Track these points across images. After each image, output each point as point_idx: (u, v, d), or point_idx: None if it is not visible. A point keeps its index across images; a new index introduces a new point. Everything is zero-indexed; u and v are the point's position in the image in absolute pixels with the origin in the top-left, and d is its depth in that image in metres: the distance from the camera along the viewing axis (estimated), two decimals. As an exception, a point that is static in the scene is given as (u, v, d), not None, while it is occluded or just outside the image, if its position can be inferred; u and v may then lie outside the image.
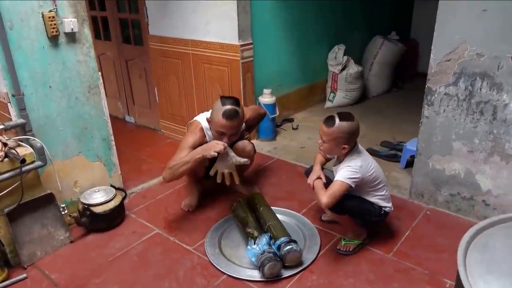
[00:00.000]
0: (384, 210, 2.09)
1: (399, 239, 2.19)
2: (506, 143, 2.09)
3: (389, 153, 3.10)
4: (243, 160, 2.20)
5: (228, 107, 2.19)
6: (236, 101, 2.25)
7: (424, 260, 2.03)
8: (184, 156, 2.17)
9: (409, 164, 2.91)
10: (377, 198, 2.06)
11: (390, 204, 2.12)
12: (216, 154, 2.09)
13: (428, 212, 2.42)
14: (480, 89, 2.09)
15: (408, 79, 4.93)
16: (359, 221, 2.09)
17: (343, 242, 2.14)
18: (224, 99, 2.25)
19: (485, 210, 2.27)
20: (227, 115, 2.17)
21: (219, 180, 2.22)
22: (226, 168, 2.19)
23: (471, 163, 2.24)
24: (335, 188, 1.91)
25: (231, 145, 2.48)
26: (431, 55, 2.21)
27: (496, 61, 2.01)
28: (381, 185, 2.07)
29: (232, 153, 2.18)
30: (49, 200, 2.21)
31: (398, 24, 4.95)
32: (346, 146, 1.96)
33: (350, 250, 2.11)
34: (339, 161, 2.07)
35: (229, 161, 2.17)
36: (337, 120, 1.95)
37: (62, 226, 2.26)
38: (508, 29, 1.93)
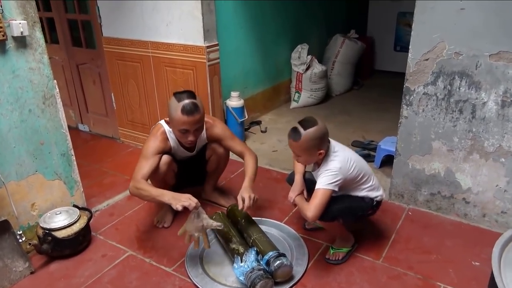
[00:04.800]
0: (376, 201, 2.01)
1: (387, 243, 2.15)
2: (485, 141, 2.11)
3: (362, 153, 3.07)
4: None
5: (186, 101, 2.02)
6: (192, 94, 2.08)
7: (415, 263, 2.00)
8: (153, 189, 1.98)
9: (384, 163, 2.90)
10: (366, 191, 1.98)
11: (381, 192, 2.03)
12: (181, 208, 1.82)
13: (410, 213, 2.40)
14: (459, 88, 2.09)
15: (366, 77, 4.99)
16: (352, 219, 2.00)
17: (331, 251, 2.06)
18: (178, 94, 2.08)
19: (465, 207, 2.29)
20: (187, 110, 2.01)
21: (186, 242, 1.96)
22: (196, 231, 1.89)
23: (450, 162, 2.24)
24: (318, 198, 1.82)
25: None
26: (409, 55, 2.18)
27: (474, 60, 2.01)
28: (366, 177, 1.98)
29: (203, 215, 1.89)
30: (4, 228, 1.94)
31: (355, 22, 4.99)
32: (322, 151, 1.87)
33: (340, 259, 2.03)
34: (318, 164, 1.97)
35: (198, 223, 1.87)
36: (301, 130, 1.82)
37: (20, 256, 1.99)
38: (485, 27, 1.93)
